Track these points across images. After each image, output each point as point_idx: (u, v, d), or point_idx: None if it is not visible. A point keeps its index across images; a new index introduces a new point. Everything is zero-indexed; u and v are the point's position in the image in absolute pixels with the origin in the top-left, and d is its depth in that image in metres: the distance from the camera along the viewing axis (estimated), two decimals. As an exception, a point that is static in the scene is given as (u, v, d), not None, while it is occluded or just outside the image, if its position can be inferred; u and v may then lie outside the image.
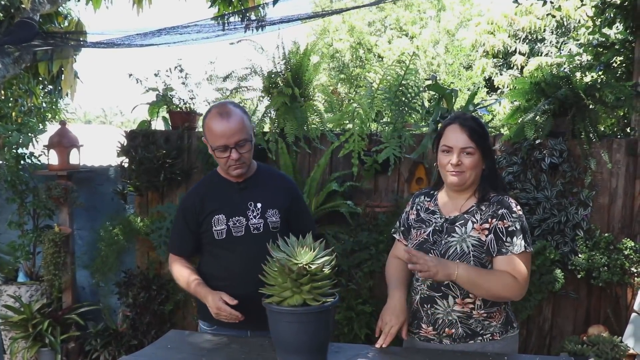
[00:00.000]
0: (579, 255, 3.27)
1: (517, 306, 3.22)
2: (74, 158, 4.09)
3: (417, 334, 1.91)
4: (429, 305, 1.87)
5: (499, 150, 3.44)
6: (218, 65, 3.91)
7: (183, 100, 3.92)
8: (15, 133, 3.89)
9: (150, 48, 4.10)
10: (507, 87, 10.98)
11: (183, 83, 3.94)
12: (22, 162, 3.98)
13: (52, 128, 4.41)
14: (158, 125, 4.13)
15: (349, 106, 3.69)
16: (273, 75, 3.57)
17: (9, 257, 4.13)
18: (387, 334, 1.86)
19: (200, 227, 2.13)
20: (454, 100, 3.54)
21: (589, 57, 5.05)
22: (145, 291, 3.72)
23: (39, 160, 4.08)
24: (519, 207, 1.84)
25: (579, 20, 10.37)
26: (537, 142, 3.32)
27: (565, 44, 10.87)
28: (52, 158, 4.07)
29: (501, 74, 11.71)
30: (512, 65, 11.55)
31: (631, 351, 3.00)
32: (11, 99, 4.71)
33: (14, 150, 3.93)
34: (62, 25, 4.72)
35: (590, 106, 3.29)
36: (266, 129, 3.66)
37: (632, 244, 3.23)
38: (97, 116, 31.66)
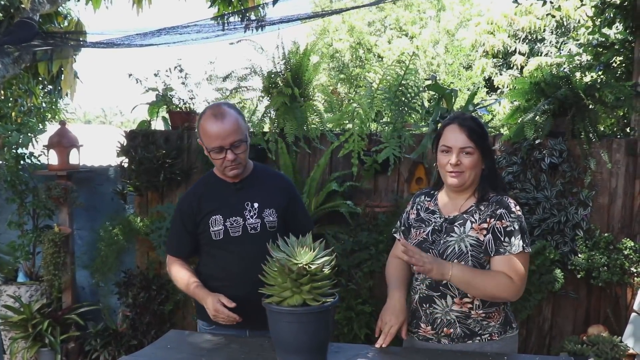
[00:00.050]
0: (579, 255, 3.27)
1: (517, 306, 3.22)
2: (74, 158, 4.09)
3: (416, 333, 1.92)
4: (427, 305, 1.87)
5: (498, 150, 3.44)
6: (218, 65, 3.92)
7: (183, 100, 3.92)
8: (15, 133, 3.89)
9: (150, 48, 4.10)
10: (507, 87, 10.98)
11: (183, 83, 3.94)
12: (21, 162, 3.98)
13: (52, 128, 4.41)
14: (158, 125, 4.13)
15: (349, 106, 3.70)
16: (273, 75, 3.56)
17: (8, 257, 4.13)
18: (387, 333, 1.86)
19: (198, 228, 2.13)
20: (453, 100, 3.54)
21: (589, 57, 5.05)
22: (145, 291, 3.72)
23: (39, 160, 4.08)
24: (518, 208, 1.84)
25: (579, 20, 10.38)
26: (536, 142, 3.32)
27: (565, 44, 10.88)
28: (52, 158, 4.07)
29: (501, 74, 11.71)
30: (511, 65, 11.55)
31: (631, 351, 3.00)
32: (11, 99, 4.71)
33: (14, 150, 3.93)
34: (61, 25, 4.72)
35: (590, 106, 3.29)
36: (266, 129, 3.66)
37: (632, 244, 3.23)
38: (97, 116, 31.68)
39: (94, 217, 4.20)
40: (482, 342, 1.84)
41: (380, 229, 3.40)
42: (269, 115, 3.64)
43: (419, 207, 2.00)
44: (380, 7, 14.72)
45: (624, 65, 4.55)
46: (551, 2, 9.96)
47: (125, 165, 3.80)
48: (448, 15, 14.96)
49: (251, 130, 3.64)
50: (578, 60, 5.51)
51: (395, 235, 2.09)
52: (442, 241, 1.84)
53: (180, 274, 2.15)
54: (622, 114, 3.97)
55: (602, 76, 4.60)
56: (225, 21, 4.26)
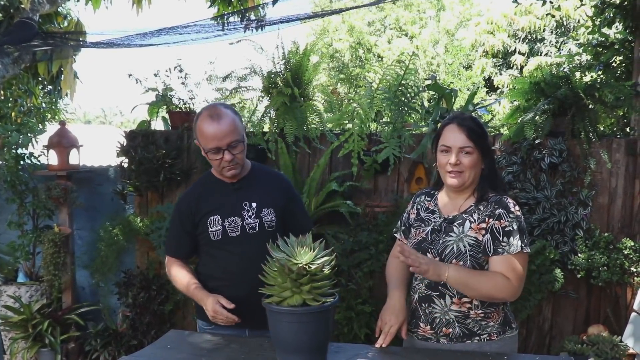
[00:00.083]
0: (579, 255, 3.27)
1: (517, 306, 3.22)
2: (74, 158, 4.09)
3: (415, 333, 1.92)
4: (426, 305, 1.87)
5: (498, 150, 3.44)
6: (218, 65, 3.91)
7: (183, 100, 3.92)
8: (15, 133, 3.89)
9: (149, 48, 4.10)
10: (507, 87, 10.98)
11: (183, 83, 3.94)
12: (21, 162, 3.97)
13: (52, 128, 4.41)
14: (158, 125, 4.13)
15: (349, 106, 3.70)
16: (273, 75, 3.57)
17: (8, 257, 4.13)
18: (387, 333, 1.86)
19: (196, 228, 2.13)
20: (453, 100, 3.54)
21: (589, 57, 5.05)
22: (145, 291, 3.72)
23: (39, 161, 4.08)
24: (517, 208, 1.84)
25: (579, 20, 10.38)
26: (536, 141, 3.32)
27: (564, 43, 10.88)
28: (52, 158, 4.07)
29: (501, 74, 11.71)
30: (511, 65, 11.55)
31: (631, 351, 3.00)
32: (11, 99, 4.71)
33: (14, 151, 3.93)
34: (61, 25, 4.72)
35: (590, 106, 3.30)
36: (266, 129, 3.66)
37: (632, 244, 3.23)
38: (97, 116, 31.68)
39: (94, 217, 4.20)
40: (480, 342, 1.84)
41: (380, 228, 3.40)
42: (268, 115, 3.64)
43: (419, 206, 2.00)
44: (380, 7, 14.73)
45: (623, 65, 4.55)
46: (551, 2, 9.95)
47: (125, 165, 3.80)
48: (448, 15, 14.97)
49: (251, 130, 3.64)
50: (578, 60, 5.51)
51: (395, 235, 2.09)
52: (440, 241, 1.84)
53: (180, 275, 2.15)
54: (621, 113, 3.97)
55: (601, 76, 4.60)
56: (225, 21, 4.25)
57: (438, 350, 1.84)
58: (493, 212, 1.82)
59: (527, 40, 11.55)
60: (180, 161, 3.77)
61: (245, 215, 2.10)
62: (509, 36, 11.59)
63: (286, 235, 1.73)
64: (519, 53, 11.45)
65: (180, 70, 3.94)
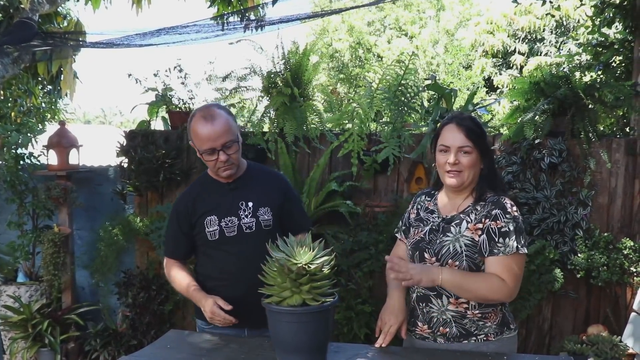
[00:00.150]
0: (579, 255, 3.27)
1: (517, 306, 3.22)
2: (74, 158, 4.09)
3: (413, 332, 1.92)
4: (424, 304, 1.87)
5: (498, 150, 3.44)
6: (217, 65, 3.91)
7: (182, 100, 3.92)
8: (15, 133, 3.89)
9: (149, 48, 4.10)
10: (507, 86, 10.98)
11: (182, 83, 3.95)
12: (21, 162, 3.98)
13: (52, 128, 4.41)
14: (157, 125, 4.13)
15: (349, 106, 3.70)
16: (272, 75, 3.57)
17: (8, 257, 4.13)
18: (387, 333, 1.87)
19: (194, 229, 2.13)
20: (453, 100, 3.54)
21: (588, 57, 5.05)
22: (145, 291, 3.72)
23: (39, 161, 4.08)
24: (515, 208, 1.83)
25: (578, 20, 10.38)
26: (536, 141, 3.32)
27: (564, 43, 10.87)
28: (52, 158, 4.08)
29: (500, 74, 11.71)
30: (511, 65, 11.55)
31: (630, 350, 3.00)
32: (10, 99, 4.71)
33: (14, 151, 3.93)
34: (61, 25, 4.72)
35: (590, 106, 3.30)
36: (265, 128, 3.66)
37: (632, 244, 3.23)
38: (97, 116, 31.66)
39: (94, 217, 4.20)
40: (477, 343, 1.83)
41: (380, 228, 3.40)
42: (268, 115, 3.64)
43: (419, 206, 2.00)
44: (379, 7, 14.72)
45: (623, 64, 4.55)
46: (551, 2, 9.97)
47: (125, 165, 3.80)
48: (448, 15, 14.96)
49: (251, 130, 3.64)
50: (577, 60, 5.51)
51: (396, 235, 2.09)
52: (437, 241, 1.84)
53: (179, 277, 2.15)
54: (621, 113, 3.97)
55: (601, 76, 4.60)
56: (225, 21, 4.25)
57: (437, 350, 1.83)
58: (490, 213, 1.81)
59: (526, 40, 11.55)
60: (180, 161, 3.77)
61: (241, 215, 2.10)
62: (508, 36, 11.59)
63: (284, 235, 1.73)
64: (519, 53, 11.45)
65: (180, 70, 3.95)
